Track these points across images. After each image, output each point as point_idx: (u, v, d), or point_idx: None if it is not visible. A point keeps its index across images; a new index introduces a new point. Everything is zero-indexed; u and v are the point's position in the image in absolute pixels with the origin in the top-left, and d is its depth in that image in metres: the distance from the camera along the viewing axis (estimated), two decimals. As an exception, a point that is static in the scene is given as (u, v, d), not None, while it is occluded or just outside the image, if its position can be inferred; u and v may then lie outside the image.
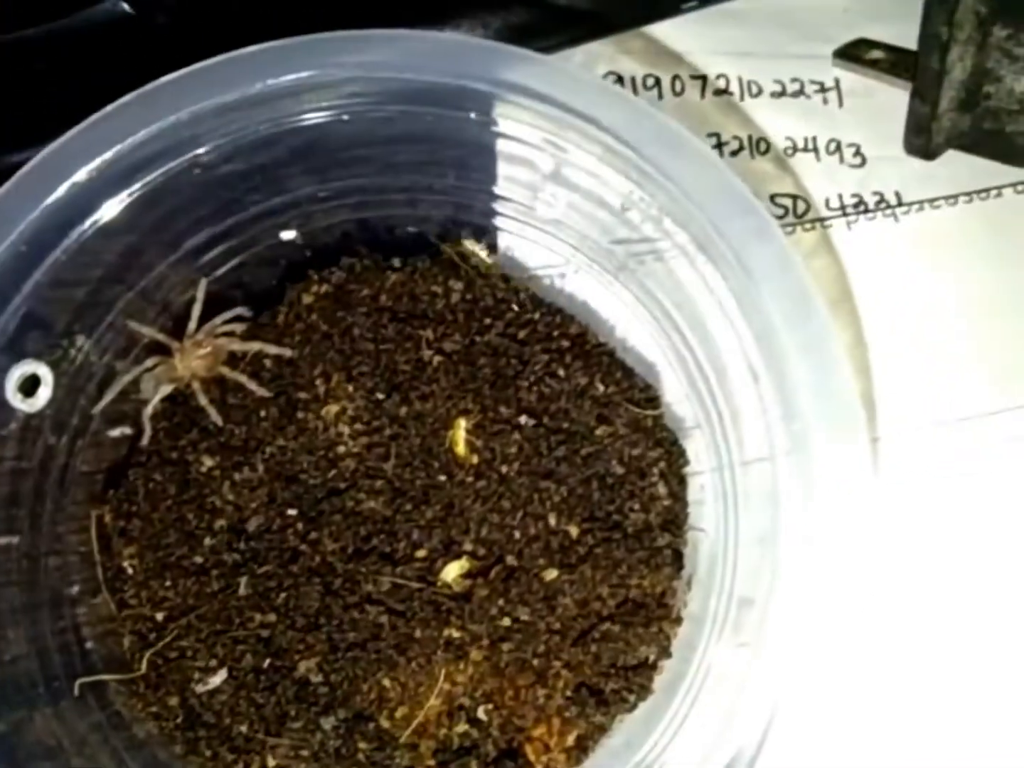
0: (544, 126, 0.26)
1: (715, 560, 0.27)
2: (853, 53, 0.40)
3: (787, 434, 0.24)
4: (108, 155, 0.26)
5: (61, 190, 0.25)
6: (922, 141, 0.37)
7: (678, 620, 0.28)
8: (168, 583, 0.29)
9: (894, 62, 0.39)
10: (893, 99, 0.39)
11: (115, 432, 0.30)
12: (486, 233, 0.30)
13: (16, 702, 0.24)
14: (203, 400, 0.30)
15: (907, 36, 0.39)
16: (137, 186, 0.27)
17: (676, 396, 0.28)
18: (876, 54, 0.40)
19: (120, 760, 0.26)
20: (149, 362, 0.30)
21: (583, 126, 0.25)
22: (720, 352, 0.26)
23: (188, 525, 0.30)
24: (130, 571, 0.30)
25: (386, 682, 0.28)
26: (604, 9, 0.34)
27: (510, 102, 0.25)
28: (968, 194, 0.38)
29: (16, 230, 0.24)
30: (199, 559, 0.29)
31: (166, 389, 0.30)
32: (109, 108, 0.24)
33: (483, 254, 0.30)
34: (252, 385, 0.30)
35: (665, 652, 0.28)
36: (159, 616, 0.29)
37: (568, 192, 0.28)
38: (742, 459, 0.25)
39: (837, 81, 0.40)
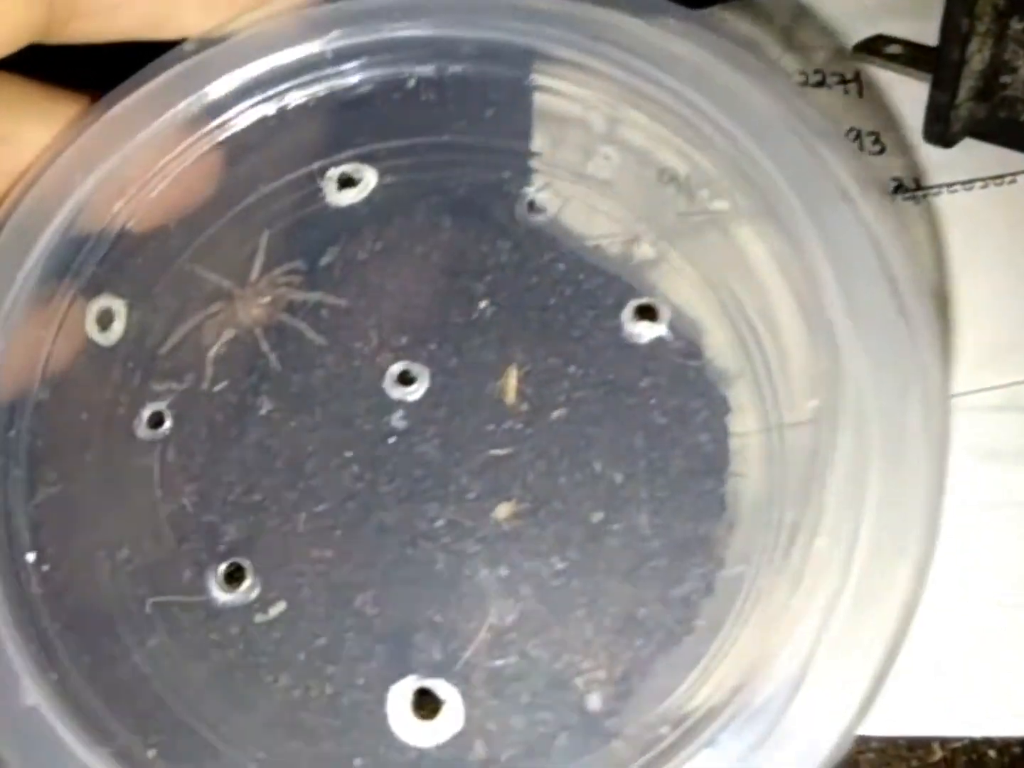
0: (599, 84, 0.27)
1: (759, 503, 0.28)
2: (873, 47, 0.43)
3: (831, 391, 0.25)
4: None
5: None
6: (941, 129, 0.39)
7: (720, 561, 0.29)
8: (227, 520, 0.30)
9: (912, 56, 0.42)
10: (910, 91, 0.41)
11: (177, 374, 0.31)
12: (535, 193, 0.32)
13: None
14: (264, 346, 0.31)
15: (920, 32, 0.41)
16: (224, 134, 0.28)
17: (720, 348, 0.30)
18: (894, 48, 0.42)
19: (183, 679, 0.26)
20: (213, 307, 0.31)
21: (640, 84, 0.26)
22: (775, 313, 0.27)
23: (247, 465, 0.31)
24: (190, 508, 0.30)
25: (438, 617, 0.29)
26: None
27: (564, 59, 0.27)
28: (984, 180, 0.40)
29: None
30: (258, 497, 0.30)
31: (228, 334, 0.31)
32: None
33: (533, 215, 0.32)
34: (311, 333, 0.31)
35: (709, 590, 0.29)
36: (220, 549, 0.30)
37: (622, 153, 0.29)
38: (790, 405, 0.27)
39: (857, 73, 0.42)
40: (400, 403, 0.31)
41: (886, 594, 0.22)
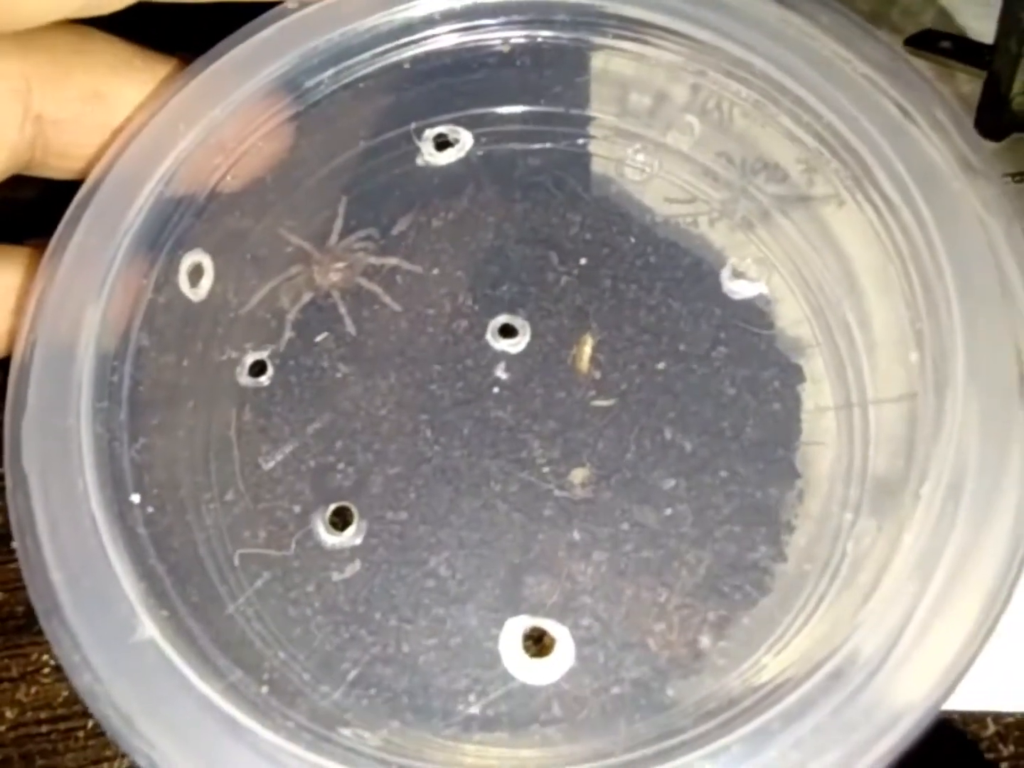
0: (683, 50, 0.28)
1: (835, 470, 0.28)
2: (924, 41, 0.43)
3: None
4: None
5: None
6: (993, 121, 0.40)
7: (791, 527, 0.30)
8: (302, 479, 0.30)
9: (963, 50, 0.42)
10: (954, 85, 0.42)
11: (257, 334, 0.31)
12: (618, 163, 0.32)
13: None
14: (341, 309, 0.31)
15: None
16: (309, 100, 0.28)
17: (793, 319, 0.30)
18: (945, 43, 0.43)
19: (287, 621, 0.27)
20: (292, 270, 0.31)
21: (729, 49, 0.27)
22: (862, 290, 0.27)
23: (322, 425, 0.31)
24: (264, 465, 0.31)
25: (510, 577, 0.30)
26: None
27: (645, 23, 0.27)
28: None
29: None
30: (332, 458, 0.31)
31: (306, 297, 0.32)
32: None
33: (612, 185, 0.32)
34: (387, 298, 0.32)
35: (781, 556, 0.30)
36: (296, 508, 0.30)
37: (704, 125, 0.30)
38: (879, 379, 0.27)
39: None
40: (476, 369, 0.31)
41: (981, 574, 0.22)
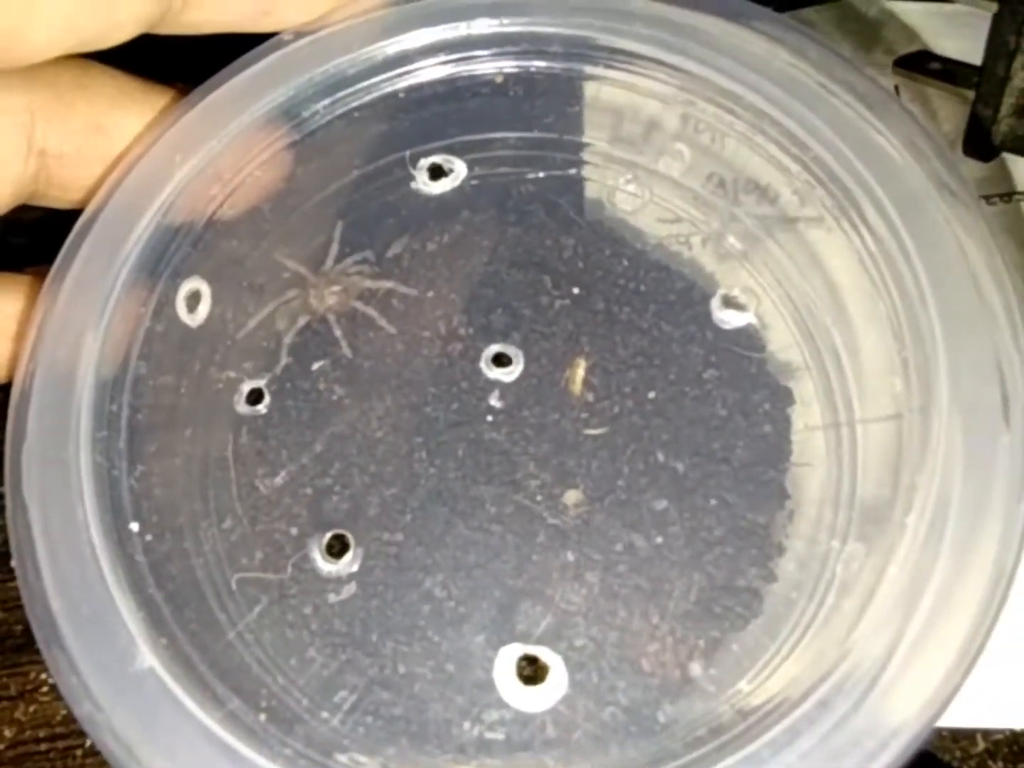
0: (673, 81, 0.28)
1: (824, 493, 0.29)
2: (914, 63, 0.44)
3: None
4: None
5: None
6: (981, 143, 0.41)
7: (781, 548, 0.30)
8: (299, 502, 0.31)
9: (951, 72, 0.43)
10: (945, 107, 0.43)
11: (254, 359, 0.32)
12: (609, 189, 0.33)
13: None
14: (337, 332, 0.32)
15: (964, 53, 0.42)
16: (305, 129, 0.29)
17: (783, 342, 0.31)
18: (935, 65, 0.44)
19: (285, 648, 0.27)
20: (288, 294, 0.32)
21: (718, 80, 0.27)
22: (848, 312, 0.28)
23: (319, 449, 0.31)
24: (262, 489, 0.31)
25: (505, 600, 0.30)
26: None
27: (636, 55, 0.28)
28: (1021, 193, 0.41)
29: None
30: (328, 481, 0.31)
31: (302, 321, 0.32)
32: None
33: (604, 211, 0.33)
34: (383, 321, 0.32)
35: (772, 577, 0.30)
36: (293, 531, 0.30)
37: (694, 154, 0.30)
38: (866, 400, 0.27)
39: (896, 88, 0.44)
40: (471, 392, 0.32)
41: (967, 599, 0.22)
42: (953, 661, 0.22)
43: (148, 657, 0.21)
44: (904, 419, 0.24)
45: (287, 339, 0.32)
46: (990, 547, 0.23)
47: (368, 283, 0.32)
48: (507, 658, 0.26)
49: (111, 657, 0.22)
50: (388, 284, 0.32)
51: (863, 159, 0.24)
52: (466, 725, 0.25)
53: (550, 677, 0.26)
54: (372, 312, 0.32)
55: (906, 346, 0.24)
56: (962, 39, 0.42)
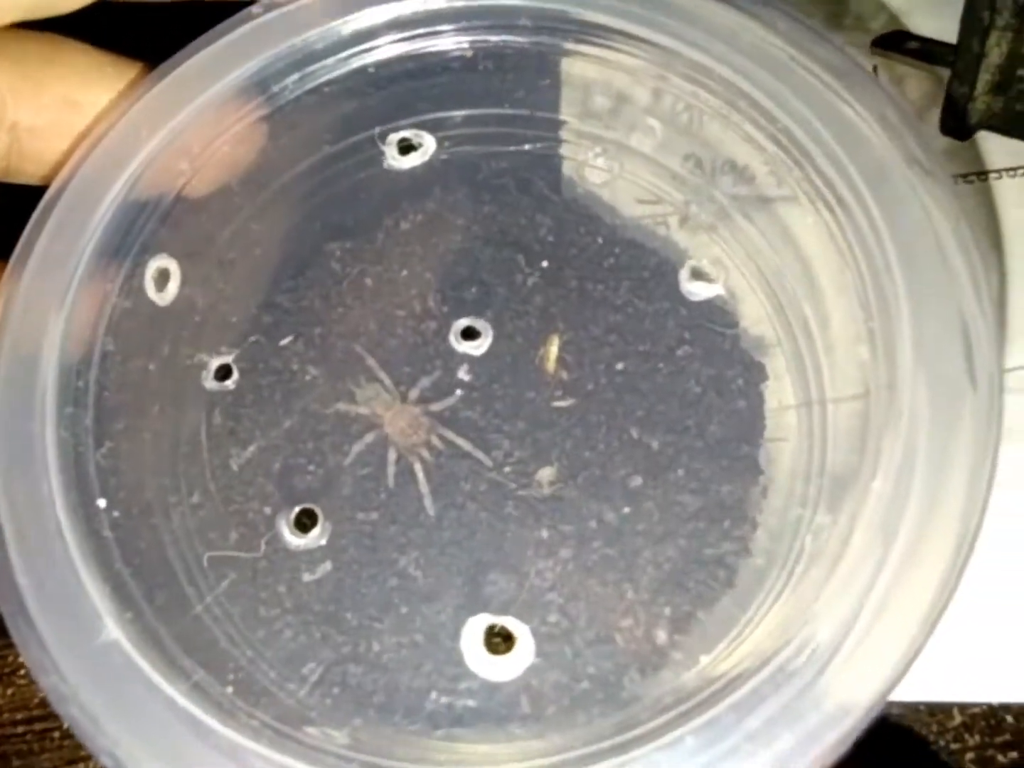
0: (644, 55, 0.28)
1: (796, 466, 0.29)
2: (891, 42, 0.44)
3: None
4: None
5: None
6: (957, 121, 0.41)
7: (754, 523, 0.30)
8: (271, 480, 0.31)
9: (929, 51, 0.43)
10: (923, 85, 0.43)
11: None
12: (580, 165, 0.33)
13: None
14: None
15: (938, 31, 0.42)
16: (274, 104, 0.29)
17: (756, 318, 0.31)
18: (913, 44, 0.44)
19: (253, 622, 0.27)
20: (261, 273, 0.32)
21: (688, 54, 0.27)
22: (821, 289, 0.28)
23: (293, 428, 0.31)
24: (235, 469, 0.31)
25: (478, 575, 0.30)
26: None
27: (605, 28, 0.27)
28: (998, 171, 0.41)
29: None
30: (303, 460, 0.31)
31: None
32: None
33: (576, 187, 0.33)
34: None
35: (745, 551, 0.30)
36: (267, 510, 0.30)
37: (666, 128, 0.30)
38: (837, 376, 0.27)
39: (875, 67, 0.44)
40: (446, 368, 0.32)
41: (929, 565, 0.22)
42: (915, 628, 0.22)
43: (113, 630, 0.21)
44: (871, 391, 0.24)
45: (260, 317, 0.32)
46: (955, 507, 0.23)
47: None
48: (474, 628, 0.26)
49: (77, 631, 0.22)
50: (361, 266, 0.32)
51: (832, 132, 0.24)
52: (434, 695, 0.25)
53: (517, 647, 0.26)
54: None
55: (872, 316, 0.24)
56: (940, 18, 0.42)
